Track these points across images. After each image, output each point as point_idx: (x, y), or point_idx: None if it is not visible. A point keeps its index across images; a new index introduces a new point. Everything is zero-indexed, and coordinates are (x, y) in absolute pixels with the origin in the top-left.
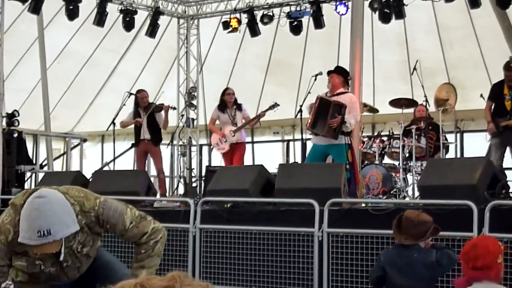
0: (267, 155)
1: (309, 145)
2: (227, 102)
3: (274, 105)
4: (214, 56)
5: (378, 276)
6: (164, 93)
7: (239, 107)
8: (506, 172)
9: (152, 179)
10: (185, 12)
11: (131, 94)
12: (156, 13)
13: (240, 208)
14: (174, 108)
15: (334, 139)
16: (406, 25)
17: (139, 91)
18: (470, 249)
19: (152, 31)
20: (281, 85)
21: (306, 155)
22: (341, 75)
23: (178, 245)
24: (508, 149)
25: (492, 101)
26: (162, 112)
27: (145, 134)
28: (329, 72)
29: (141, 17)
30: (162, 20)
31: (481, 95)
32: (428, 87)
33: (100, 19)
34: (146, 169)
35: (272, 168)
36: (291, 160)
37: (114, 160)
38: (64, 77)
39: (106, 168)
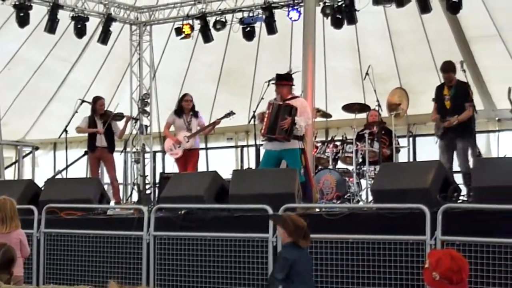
0: (221, 161)
1: (263, 151)
2: (185, 108)
3: (230, 113)
4: (166, 65)
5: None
6: (118, 105)
7: (195, 114)
8: (455, 175)
9: (105, 186)
10: (138, 18)
11: (83, 101)
12: (108, 19)
13: (194, 215)
14: (137, 119)
15: (287, 141)
16: (358, 32)
17: (97, 98)
18: (451, 263)
19: (104, 38)
20: (233, 92)
21: (260, 161)
22: (286, 84)
23: (132, 252)
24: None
25: (436, 103)
26: (122, 121)
27: (102, 142)
28: (274, 83)
29: (93, 24)
30: (114, 27)
31: (433, 99)
32: (380, 93)
33: (51, 26)
34: (99, 177)
35: (226, 174)
36: (245, 166)
37: (66, 168)
38: (15, 84)
39: (58, 176)
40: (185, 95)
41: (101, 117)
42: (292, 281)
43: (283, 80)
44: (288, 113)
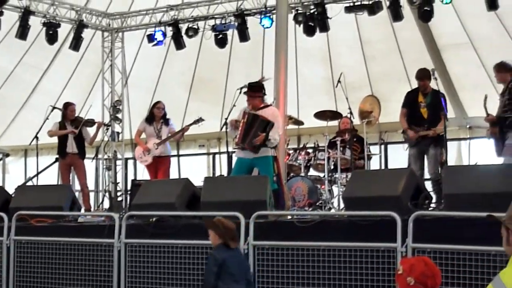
0: (193, 168)
1: (235, 158)
2: (156, 115)
3: (199, 120)
4: (138, 71)
5: None
6: (91, 108)
7: (166, 121)
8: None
9: (76, 193)
10: (110, 25)
11: (54, 108)
12: (80, 26)
13: (166, 222)
14: (108, 126)
15: (255, 153)
16: (330, 41)
17: (68, 104)
18: (425, 268)
19: (76, 44)
20: (205, 100)
21: (232, 168)
22: (257, 94)
23: (103, 260)
24: (425, 158)
25: (407, 109)
26: (93, 128)
27: (73, 148)
28: (245, 93)
29: (65, 31)
30: (86, 33)
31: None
32: (352, 102)
33: (22, 32)
34: (70, 183)
35: (198, 181)
36: (217, 173)
37: (37, 174)
38: None
39: (29, 183)
40: (157, 102)
41: (71, 123)
42: (224, 281)
43: (254, 92)
44: (262, 129)
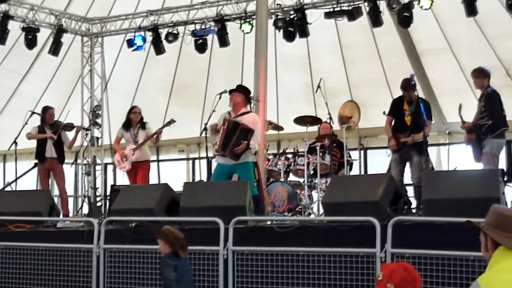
0: (173, 173)
1: (214, 163)
2: (132, 120)
3: (171, 121)
4: (118, 76)
5: None
6: (69, 113)
7: (143, 126)
8: (406, 187)
9: (55, 199)
10: (89, 30)
11: (34, 113)
12: (59, 31)
13: (145, 228)
14: (88, 130)
15: (235, 161)
16: (309, 47)
17: (47, 108)
18: (405, 273)
19: (55, 49)
20: (185, 105)
21: (212, 173)
22: (243, 94)
23: (81, 265)
24: (408, 164)
25: (392, 116)
26: (72, 132)
27: (51, 152)
28: (231, 91)
29: (44, 35)
30: (66, 38)
31: (384, 113)
32: (332, 107)
33: (1, 36)
34: (50, 188)
35: (178, 186)
36: (197, 179)
37: (16, 180)
38: None
39: (8, 189)
40: (133, 107)
41: (50, 127)
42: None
43: (240, 88)
44: (244, 137)
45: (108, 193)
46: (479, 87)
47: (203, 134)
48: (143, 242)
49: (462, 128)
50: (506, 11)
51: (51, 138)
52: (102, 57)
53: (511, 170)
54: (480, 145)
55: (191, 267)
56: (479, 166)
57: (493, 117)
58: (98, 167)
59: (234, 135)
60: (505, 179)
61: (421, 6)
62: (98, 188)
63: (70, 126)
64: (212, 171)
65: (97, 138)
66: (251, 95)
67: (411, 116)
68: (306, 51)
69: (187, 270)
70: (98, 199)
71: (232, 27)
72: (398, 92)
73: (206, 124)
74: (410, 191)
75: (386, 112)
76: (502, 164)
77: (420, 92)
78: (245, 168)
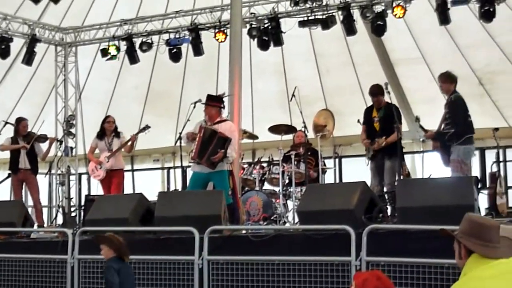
0: (147, 183)
1: (190, 172)
2: (107, 130)
3: (145, 127)
4: (92, 86)
5: None
6: (43, 123)
7: (117, 134)
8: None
9: (29, 209)
10: (63, 39)
11: (7, 123)
12: (33, 40)
13: None
14: (61, 142)
15: (211, 169)
16: (284, 55)
17: (20, 119)
18: (378, 282)
19: (28, 59)
20: (160, 114)
21: (187, 183)
22: (216, 105)
23: (56, 276)
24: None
25: (365, 125)
26: (46, 143)
27: (25, 164)
28: (204, 103)
29: (18, 45)
30: (39, 48)
31: (358, 121)
32: (306, 115)
33: None
34: (23, 199)
35: (152, 196)
36: (172, 188)
37: None
38: None
39: None
40: (107, 117)
41: (24, 138)
42: None
43: (213, 101)
44: (221, 146)
45: (82, 203)
46: (445, 92)
47: (178, 144)
48: None
49: (425, 137)
50: (478, 21)
51: (24, 148)
52: (76, 66)
53: (485, 178)
54: (448, 151)
55: (140, 276)
56: (449, 170)
57: (457, 123)
58: (72, 177)
59: (211, 144)
60: (479, 186)
61: (395, 15)
62: (72, 198)
63: (43, 138)
64: (188, 180)
65: (71, 148)
66: (224, 95)
67: (379, 122)
68: (280, 59)
69: (130, 274)
70: (72, 209)
71: (206, 35)
72: None
73: (180, 133)
74: None
75: (361, 121)
76: (476, 171)
77: (394, 100)
78: (220, 177)
